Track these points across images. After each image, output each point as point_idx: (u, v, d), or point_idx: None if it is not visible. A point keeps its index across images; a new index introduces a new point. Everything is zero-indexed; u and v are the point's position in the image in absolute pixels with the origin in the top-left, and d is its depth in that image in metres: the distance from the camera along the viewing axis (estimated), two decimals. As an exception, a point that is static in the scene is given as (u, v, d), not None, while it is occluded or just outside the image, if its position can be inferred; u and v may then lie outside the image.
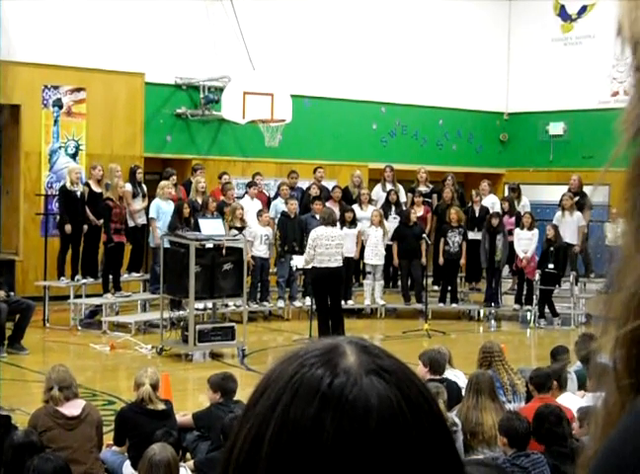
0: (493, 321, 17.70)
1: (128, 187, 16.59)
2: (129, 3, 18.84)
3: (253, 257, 16.32)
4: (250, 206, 17.06)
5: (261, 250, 16.71)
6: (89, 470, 7.15)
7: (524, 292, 17.59)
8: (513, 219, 18.02)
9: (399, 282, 18.54)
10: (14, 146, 18.04)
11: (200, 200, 16.48)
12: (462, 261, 18.07)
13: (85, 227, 16.05)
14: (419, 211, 18.28)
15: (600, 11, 21.98)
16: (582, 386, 8.84)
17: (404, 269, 17.99)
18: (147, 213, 16.48)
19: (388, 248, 17.78)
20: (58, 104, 18.17)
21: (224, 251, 13.50)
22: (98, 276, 16.32)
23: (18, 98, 17.76)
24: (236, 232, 15.47)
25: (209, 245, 13.41)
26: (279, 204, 17.64)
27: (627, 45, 0.95)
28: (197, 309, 14.13)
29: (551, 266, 16.85)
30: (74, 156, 18.35)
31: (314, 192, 17.89)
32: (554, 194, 19.89)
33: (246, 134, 19.48)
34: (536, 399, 7.88)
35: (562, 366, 8.95)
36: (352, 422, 0.97)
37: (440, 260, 17.95)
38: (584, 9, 23.31)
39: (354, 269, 17.73)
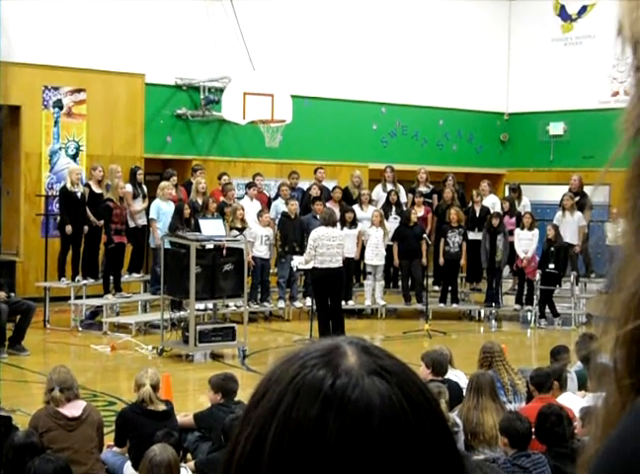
0: (493, 321, 17.70)
1: (129, 187, 16.59)
2: (129, 4, 18.84)
3: (253, 257, 16.33)
4: (249, 207, 17.05)
5: (261, 250, 16.71)
6: (90, 471, 7.15)
7: (525, 292, 17.60)
8: (513, 219, 18.02)
9: (400, 283, 18.54)
10: (14, 147, 18.04)
11: (200, 201, 16.48)
12: (462, 261, 18.08)
13: (85, 228, 16.06)
14: (419, 212, 18.28)
15: (601, 11, 21.98)
16: (582, 386, 8.84)
17: (404, 269, 17.99)
18: (148, 214, 16.48)
19: (389, 248, 17.78)
20: (59, 105, 18.17)
21: (225, 251, 13.50)
22: (98, 276, 16.33)
23: (18, 99, 17.76)
24: (237, 233, 15.47)
25: (210, 246, 13.41)
26: (279, 205, 17.65)
27: (627, 45, 0.95)
28: (197, 310, 14.12)
29: (552, 266, 16.86)
30: (74, 157, 18.36)
31: (315, 192, 17.90)
32: (554, 194, 19.90)
33: (246, 135, 19.48)
34: (537, 399, 7.88)
35: (562, 366, 8.95)
36: (354, 422, 0.97)
37: (441, 260, 17.96)
38: (584, 9, 23.31)
39: (354, 269, 17.73)
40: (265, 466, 0.98)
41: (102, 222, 15.95)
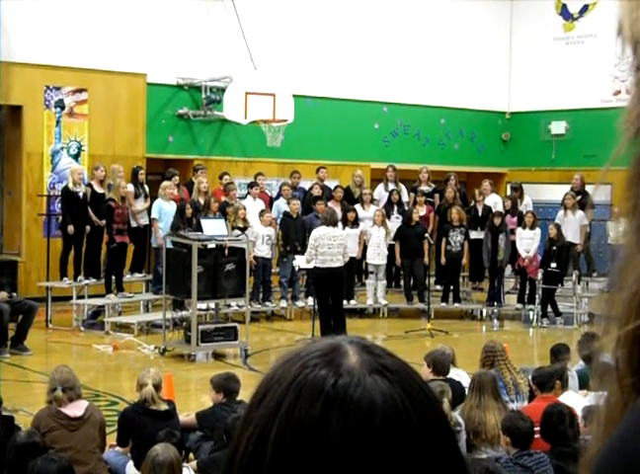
0: (495, 320, 17.70)
1: (131, 187, 16.60)
2: (131, 3, 18.85)
3: (255, 257, 16.33)
4: (252, 206, 17.06)
5: (263, 250, 16.71)
6: (92, 471, 7.15)
7: (527, 292, 17.60)
8: (515, 219, 18.02)
9: (401, 282, 18.55)
10: (16, 147, 18.05)
11: (202, 201, 16.48)
12: (464, 260, 18.08)
13: (87, 228, 16.06)
14: (421, 211, 18.29)
15: (602, 10, 21.97)
16: (584, 385, 8.84)
17: (406, 268, 17.99)
18: (149, 214, 16.48)
19: (391, 248, 17.78)
20: (60, 104, 18.18)
21: (227, 251, 13.51)
22: (100, 276, 16.34)
23: (20, 99, 17.77)
24: (239, 232, 15.47)
25: (212, 245, 13.42)
26: (281, 205, 17.65)
27: (628, 45, 0.95)
28: (199, 309, 14.14)
29: (554, 265, 16.86)
30: (76, 157, 18.37)
31: (316, 191, 17.90)
32: (556, 193, 19.90)
33: (248, 134, 19.48)
34: (539, 398, 7.88)
35: (563, 365, 8.96)
36: (357, 421, 0.97)
37: (442, 259, 17.96)
38: (585, 8, 23.30)
39: (356, 268, 17.72)
40: (267, 466, 0.98)
41: (104, 222, 15.96)
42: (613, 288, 0.95)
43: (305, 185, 18.69)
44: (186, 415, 8.46)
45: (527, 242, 17.35)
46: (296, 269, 16.27)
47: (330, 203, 17.31)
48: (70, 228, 15.83)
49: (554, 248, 16.94)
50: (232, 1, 19.81)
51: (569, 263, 17.28)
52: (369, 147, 22.12)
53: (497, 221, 17.46)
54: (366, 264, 18.00)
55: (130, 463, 7.51)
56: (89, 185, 16.41)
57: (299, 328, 15.87)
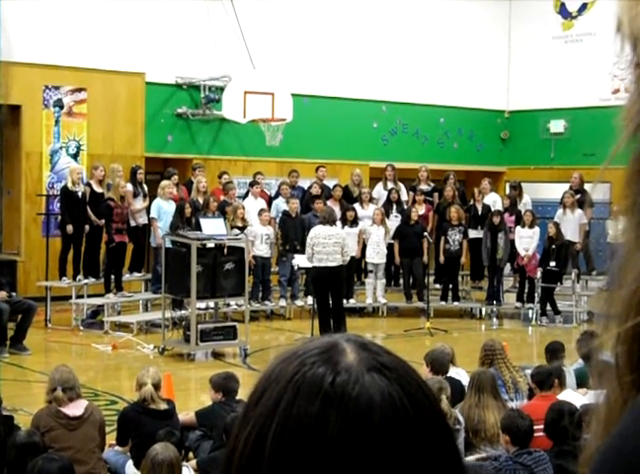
0: (495, 319, 17.71)
1: (130, 187, 16.59)
2: (130, 3, 18.84)
3: (254, 256, 16.33)
4: (253, 205, 17.08)
5: (262, 249, 16.71)
6: (92, 470, 7.15)
7: (526, 290, 17.60)
8: (513, 217, 18.02)
9: (401, 281, 18.55)
10: (15, 147, 18.05)
11: (201, 200, 16.48)
12: (463, 259, 18.09)
13: (87, 227, 16.06)
14: (420, 210, 18.29)
15: (601, 8, 21.96)
16: (581, 384, 8.84)
17: (406, 267, 18.00)
18: (148, 213, 16.48)
19: (390, 247, 17.79)
20: (59, 104, 18.18)
21: (226, 250, 13.51)
22: (99, 276, 16.34)
23: (18, 98, 17.77)
24: (238, 232, 15.47)
25: (211, 244, 13.42)
26: (280, 204, 17.65)
27: (627, 42, 0.95)
28: (198, 309, 14.13)
29: (553, 263, 16.86)
30: (75, 156, 18.37)
31: (315, 190, 17.89)
32: (555, 191, 19.90)
33: (247, 134, 19.48)
34: (538, 397, 7.89)
35: (559, 364, 8.97)
36: (355, 419, 0.97)
37: (441, 258, 17.97)
38: (584, 6, 23.30)
39: (355, 267, 17.72)
40: (266, 465, 0.98)
41: (103, 221, 15.96)
42: (613, 286, 0.95)
43: (304, 184, 18.68)
44: (185, 414, 8.46)
45: (526, 241, 17.36)
46: (295, 268, 16.27)
47: (329, 202, 17.31)
48: (69, 228, 15.83)
49: (553, 246, 16.95)
50: (231, 1, 19.80)
51: (568, 261, 17.28)
52: (368, 146, 22.12)
53: (496, 220, 17.46)
54: (366, 263, 18.01)
55: (130, 462, 7.51)
56: (88, 184, 16.40)
57: (299, 327, 15.87)
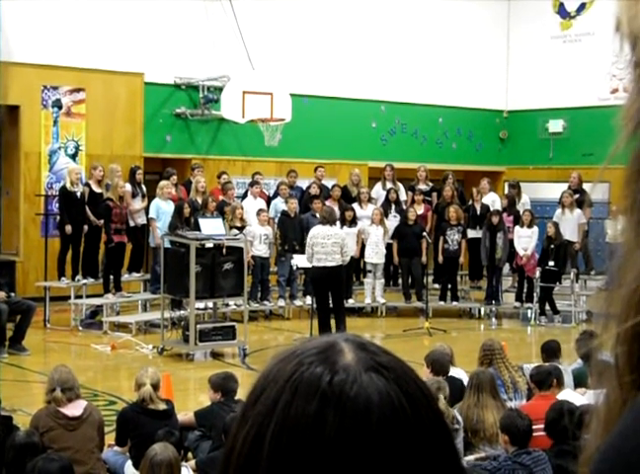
0: (494, 319, 17.71)
1: (128, 187, 16.59)
2: (129, 3, 18.84)
3: (253, 256, 16.32)
4: (253, 205, 17.08)
5: (260, 249, 16.71)
6: (91, 470, 7.15)
7: (525, 290, 17.61)
8: (511, 217, 18.03)
9: (400, 281, 18.55)
10: (13, 147, 18.04)
11: (199, 200, 16.47)
12: (462, 259, 18.09)
13: (85, 228, 16.06)
14: (419, 210, 18.29)
15: (599, 8, 21.97)
16: (580, 384, 8.84)
17: (404, 267, 18.00)
18: (147, 213, 16.47)
19: (389, 246, 17.79)
20: (58, 104, 18.17)
21: (224, 250, 13.50)
22: (98, 276, 16.33)
23: (17, 98, 17.76)
24: (236, 232, 15.46)
25: (210, 245, 13.41)
26: (278, 204, 17.65)
27: (626, 42, 0.95)
28: (197, 309, 14.12)
29: (551, 263, 16.87)
30: (74, 156, 18.36)
31: (314, 190, 17.89)
32: (554, 191, 19.90)
33: (246, 134, 19.48)
34: (537, 396, 7.89)
35: (556, 363, 8.98)
36: (353, 419, 0.97)
37: (440, 258, 17.97)
38: (583, 6, 23.31)
39: (354, 267, 17.71)
40: (264, 464, 0.98)
41: (102, 222, 15.95)
42: (612, 286, 0.95)
43: (302, 184, 18.68)
44: (184, 414, 8.46)
45: (525, 240, 17.37)
46: (294, 268, 16.27)
47: (328, 202, 17.31)
48: (68, 228, 15.82)
49: (552, 246, 16.95)
50: (230, 1, 19.80)
51: (567, 261, 17.29)
52: (367, 146, 22.12)
53: (495, 220, 17.47)
54: (364, 263, 18.01)
55: (129, 463, 7.51)
56: (87, 184, 16.40)
57: (297, 327, 15.86)
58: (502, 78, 24.50)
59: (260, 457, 0.98)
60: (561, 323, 17.06)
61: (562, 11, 23.80)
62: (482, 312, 17.97)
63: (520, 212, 17.95)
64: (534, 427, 6.60)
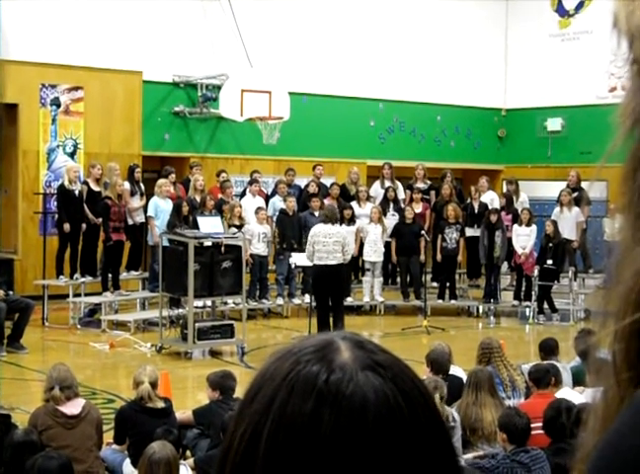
0: (492, 317, 17.71)
1: (127, 185, 16.59)
2: (127, 2, 18.83)
3: (251, 255, 16.32)
4: (251, 204, 17.08)
5: (259, 248, 16.71)
6: (89, 469, 7.15)
7: (523, 288, 17.62)
8: (509, 216, 18.04)
9: (398, 279, 18.55)
10: (12, 145, 18.04)
11: (198, 198, 16.47)
12: (460, 257, 18.09)
13: (84, 226, 16.05)
14: (417, 208, 18.28)
15: (598, 6, 21.96)
16: (578, 382, 8.85)
17: (403, 265, 18.00)
18: (146, 212, 16.47)
19: (387, 245, 17.79)
20: (56, 102, 18.16)
21: (223, 249, 13.50)
22: (97, 274, 16.33)
23: (15, 97, 17.75)
24: (235, 230, 15.46)
25: (208, 243, 13.41)
26: (276, 202, 17.65)
27: (623, 39, 0.95)
28: (196, 307, 14.13)
29: (550, 261, 16.87)
30: (72, 155, 18.35)
31: (312, 189, 17.89)
32: (552, 189, 19.91)
33: (244, 132, 19.47)
34: (536, 395, 7.89)
35: (554, 361, 8.98)
36: (349, 417, 0.97)
37: (438, 256, 17.97)
38: (581, 4, 23.32)
39: (353, 266, 17.70)
40: (260, 462, 0.98)
41: (100, 220, 15.94)
42: (610, 284, 0.95)
43: (301, 182, 18.68)
44: (182, 412, 8.46)
45: (523, 239, 17.37)
46: (293, 266, 16.26)
47: (326, 201, 17.33)
48: (66, 226, 15.82)
49: (550, 245, 16.96)
50: (228, -2, 19.81)
51: (565, 259, 17.30)
52: (365, 144, 22.13)
53: (493, 218, 17.47)
54: (363, 261, 18.01)
55: (127, 461, 7.51)
56: (85, 183, 16.39)
57: (296, 325, 15.86)
58: (500, 76, 24.50)
59: (256, 455, 0.98)
60: (559, 321, 17.06)
61: (560, 9, 23.80)
62: (480, 310, 17.97)
63: (519, 211, 17.95)
64: (533, 425, 6.60)
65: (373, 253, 17.52)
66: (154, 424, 7.31)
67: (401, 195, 19.05)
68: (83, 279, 16.08)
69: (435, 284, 18.41)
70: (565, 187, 18.48)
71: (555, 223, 17.18)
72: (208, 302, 14.64)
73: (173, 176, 17.13)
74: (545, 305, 17.19)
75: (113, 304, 16.22)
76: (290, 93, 17.99)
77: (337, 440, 0.96)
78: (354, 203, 17.82)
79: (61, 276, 16.07)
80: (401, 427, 0.99)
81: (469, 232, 18.03)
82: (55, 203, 16.73)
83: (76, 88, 18.39)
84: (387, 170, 19.14)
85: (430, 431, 1.01)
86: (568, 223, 17.61)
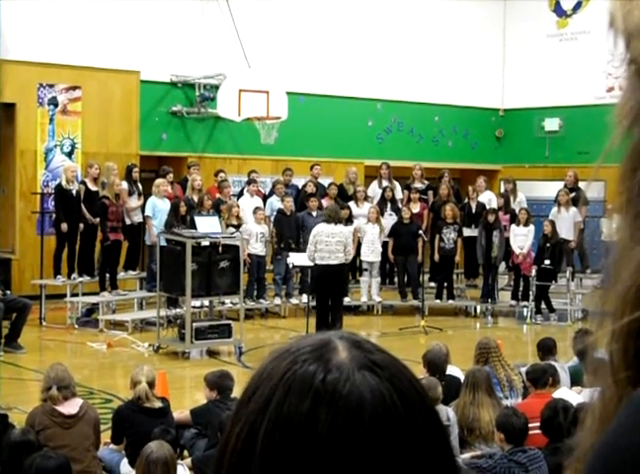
0: (489, 317, 17.70)
1: (125, 185, 16.58)
2: (125, 2, 18.81)
3: (249, 254, 16.32)
4: (250, 204, 17.08)
5: (256, 247, 16.71)
6: (86, 468, 7.15)
7: (521, 288, 17.63)
8: (507, 216, 18.05)
9: (395, 279, 18.55)
10: (9, 145, 18.02)
11: (196, 198, 16.46)
12: (457, 257, 18.10)
13: (81, 226, 16.04)
14: (415, 208, 18.29)
15: (595, 6, 21.98)
16: (577, 381, 8.85)
17: (400, 265, 18.00)
18: (143, 211, 16.46)
19: (385, 245, 17.79)
20: (54, 102, 18.15)
21: (221, 248, 13.50)
22: (94, 274, 16.32)
23: (13, 96, 17.74)
24: (233, 230, 15.46)
25: (206, 243, 13.40)
26: (274, 202, 17.64)
27: (621, 39, 0.95)
28: (193, 307, 14.13)
29: (547, 261, 16.88)
30: (70, 154, 18.34)
31: (310, 189, 17.89)
32: (550, 189, 19.92)
33: (242, 132, 19.47)
34: (533, 395, 7.90)
35: (552, 361, 8.98)
36: (345, 417, 0.97)
37: (436, 256, 17.98)
38: (579, 5, 23.33)
39: (350, 266, 17.68)
40: (257, 462, 0.98)
41: (97, 220, 15.94)
42: (607, 283, 0.95)
43: (298, 182, 18.68)
44: (180, 412, 8.46)
45: (521, 239, 17.38)
46: (290, 266, 16.25)
47: (324, 201, 17.33)
48: (64, 226, 15.81)
49: (548, 245, 16.97)
50: (226, -2, 19.80)
51: (562, 259, 17.31)
52: (363, 144, 22.12)
53: (491, 218, 17.48)
54: (360, 261, 18.00)
55: (125, 461, 7.51)
56: (82, 182, 16.38)
57: (293, 325, 15.87)
58: (498, 76, 24.51)
59: (252, 455, 0.98)
60: (557, 321, 17.07)
61: (558, 9, 23.81)
62: (478, 310, 17.97)
63: (516, 211, 17.96)
64: (530, 425, 6.60)
65: (371, 253, 17.52)
66: (152, 423, 7.31)
67: (399, 194, 19.05)
68: (80, 279, 16.06)
69: (432, 284, 18.41)
70: (562, 187, 18.48)
71: (553, 223, 17.19)
72: (206, 302, 14.64)
73: (171, 176, 17.13)
74: (543, 305, 17.19)
75: (110, 304, 16.22)
76: (288, 93, 17.98)
77: (333, 440, 0.96)
78: (351, 203, 17.82)
79: (59, 276, 16.06)
80: (397, 426, 0.99)
81: (467, 232, 18.04)
82: (53, 203, 16.72)
83: (74, 87, 18.38)
84: (385, 170, 19.15)
85: (426, 430, 1.01)
86: (565, 223, 17.62)
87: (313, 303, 14.81)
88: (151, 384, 7.72)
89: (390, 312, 17.99)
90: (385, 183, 18.94)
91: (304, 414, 0.97)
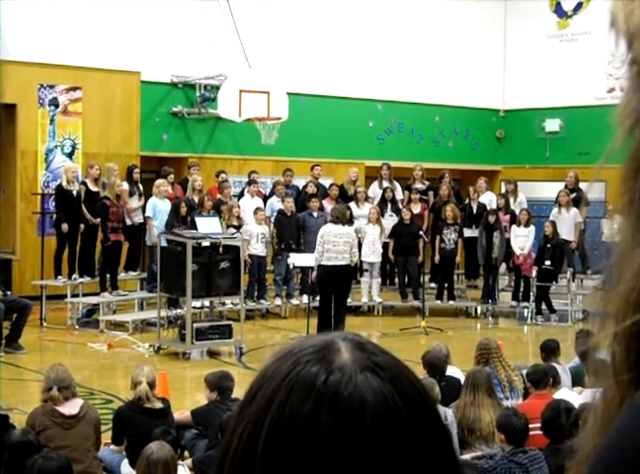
0: (490, 318, 17.71)
1: (125, 185, 16.58)
2: (125, 2, 18.82)
3: (249, 255, 16.32)
4: (250, 204, 17.08)
5: (257, 248, 16.71)
6: (87, 469, 7.15)
7: (521, 289, 17.63)
8: (507, 217, 18.04)
9: (396, 280, 18.55)
10: (10, 145, 18.02)
11: (196, 199, 16.46)
12: (458, 258, 18.10)
13: (82, 226, 16.04)
14: (416, 209, 18.29)
15: (596, 7, 21.97)
16: (578, 382, 8.85)
17: (401, 266, 18.00)
18: (144, 212, 16.46)
19: (385, 245, 17.79)
20: (54, 103, 18.15)
21: (221, 249, 13.50)
22: (95, 274, 16.32)
23: (14, 97, 17.74)
24: (234, 230, 15.46)
25: (206, 243, 13.40)
26: (274, 203, 17.65)
27: (622, 39, 0.94)
28: (194, 307, 14.12)
29: (548, 262, 16.87)
30: (70, 155, 18.35)
31: (311, 189, 17.89)
32: (551, 190, 19.91)
33: (242, 132, 19.47)
34: (534, 395, 7.89)
35: (555, 362, 8.98)
36: (347, 419, 0.97)
37: (436, 257, 17.98)
38: (579, 5, 23.33)
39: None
40: (258, 462, 0.98)
41: (98, 220, 15.94)
42: (609, 285, 0.94)
43: (299, 183, 18.68)
44: (180, 413, 8.46)
45: (522, 239, 17.38)
46: (291, 266, 16.25)
47: (325, 201, 17.33)
48: (64, 226, 15.81)
49: (549, 245, 16.96)
50: (226, -1, 19.81)
51: (563, 260, 17.30)
52: (364, 145, 22.12)
53: (491, 219, 17.48)
54: (361, 261, 17.99)
55: (125, 461, 7.51)
56: (83, 183, 16.38)
57: (294, 326, 15.86)
58: (498, 77, 24.51)
59: (254, 455, 0.98)
60: (557, 322, 17.06)
61: (559, 10, 23.81)
62: (479, 311, 17.98)
63: (517, 212, 17.96)
64: (531, 426, 6.60)
65: (371, 254, 17.51)
66: (152, 424, 7.30)
67: (399, 195, 19.05)
68: (81, 280, 16.07)
69: (433, 285, 18.42)
70: (563, 187, 18.48)
71: (554, 224, 17.18)
72: (206, 303, 14.63)
73: (171, 176, 17.14)
74: (543, 306, 17.19)
75: (111, 304, 16.22)
76: (289, 93, 17.99)
77: (335, 441, 0.96)
78: (352, 204, 17.82)
79: (59, 277, 16.06)
80: (399, 428, 0.98)
81: (467, 233, 18.04)
82: (54, 204, 16.72)
83: (74, 88, 18.38)
84: (385, 170, 19.15)
85: (428, 432, 1.01)
86: (566, 224, 17.62)
87: (314, 304, 14.80)
88: (152, 385, 7.72)
89: (391, 313, 17.99)
90: (386, 183, 18.93)
91: (306, 415, 0.97)
